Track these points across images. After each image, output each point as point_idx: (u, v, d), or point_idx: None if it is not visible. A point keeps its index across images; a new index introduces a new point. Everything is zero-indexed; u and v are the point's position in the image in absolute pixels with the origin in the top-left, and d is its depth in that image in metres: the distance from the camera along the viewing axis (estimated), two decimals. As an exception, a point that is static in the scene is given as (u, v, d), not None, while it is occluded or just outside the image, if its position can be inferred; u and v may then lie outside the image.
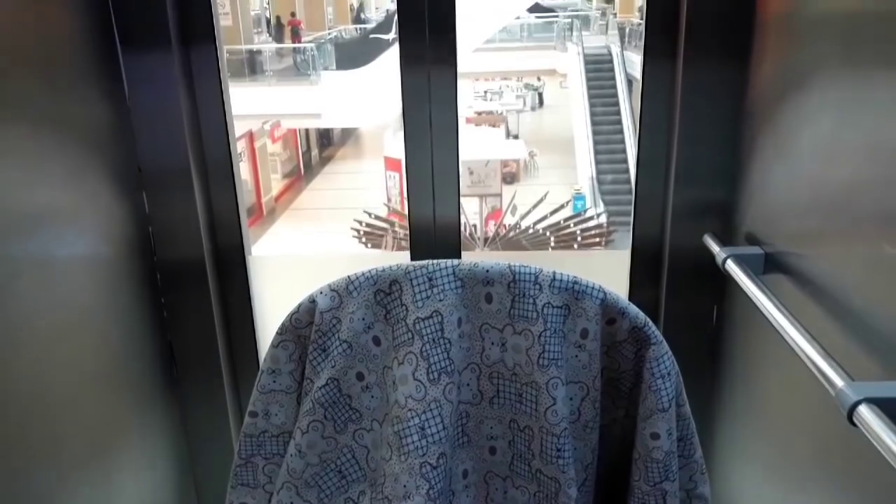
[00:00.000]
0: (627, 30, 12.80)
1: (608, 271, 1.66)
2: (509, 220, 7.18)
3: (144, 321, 1.51)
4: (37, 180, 1.17)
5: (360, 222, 6.76)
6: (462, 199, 1.63)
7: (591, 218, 7.88)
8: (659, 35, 1.43)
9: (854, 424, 0.82)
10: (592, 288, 1.02)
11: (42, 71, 1.21)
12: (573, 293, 1.02)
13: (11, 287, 1.09)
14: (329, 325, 1.08)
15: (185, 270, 1.55)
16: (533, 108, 17.79)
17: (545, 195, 6.72)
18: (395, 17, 1.55)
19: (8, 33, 1.12)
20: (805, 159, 1.15)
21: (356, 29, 16.99)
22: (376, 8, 19.70)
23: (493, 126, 15.02)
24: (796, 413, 1.20)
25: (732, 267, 1.25)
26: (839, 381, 0.87)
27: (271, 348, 1.12)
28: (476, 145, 11.31)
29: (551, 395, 1.03)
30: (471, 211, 9.49)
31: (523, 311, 1.04)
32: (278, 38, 15.10)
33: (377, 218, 6.94)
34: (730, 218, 1.42)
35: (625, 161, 11.45)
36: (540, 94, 17.55)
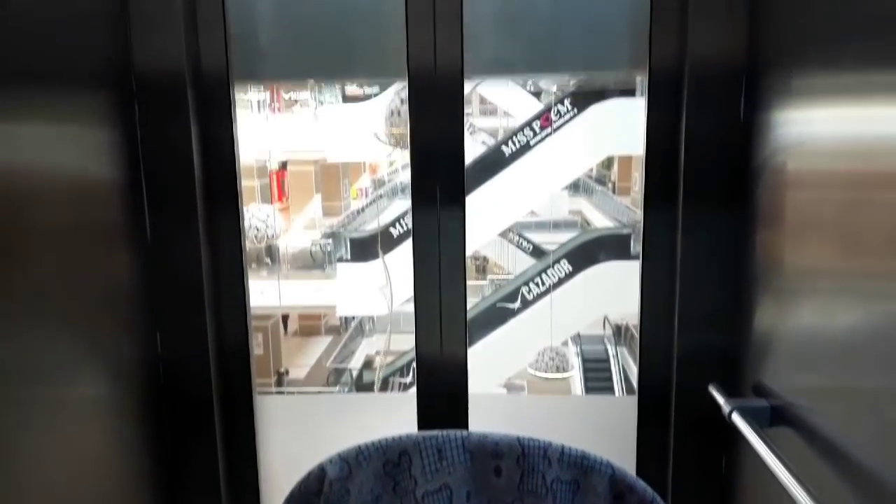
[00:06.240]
0: (623, 327, 13.54)
1: (616, 418, 1.66)
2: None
3: (150, 461, 1.51)
4: (58, 331, 1.20)
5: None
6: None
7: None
8: (658, 182, 1.47)
9: None
10: (601, 463, 1.03)
11: (75, 229, 1.26)
12: (582, 468, 1.03)
13: (21, 433, 1.09)
14: (338, 496, 1.08)
15: (193, 411, 1.56)
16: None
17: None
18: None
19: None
20: (806, 310, 1.17)
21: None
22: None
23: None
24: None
25: (738, 420, 1.25)
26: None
27: None
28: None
29: (562, 571, 1.02)
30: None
31: (532, 486, 1.04)
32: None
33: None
34: (736, 366, 1.41)
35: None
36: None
